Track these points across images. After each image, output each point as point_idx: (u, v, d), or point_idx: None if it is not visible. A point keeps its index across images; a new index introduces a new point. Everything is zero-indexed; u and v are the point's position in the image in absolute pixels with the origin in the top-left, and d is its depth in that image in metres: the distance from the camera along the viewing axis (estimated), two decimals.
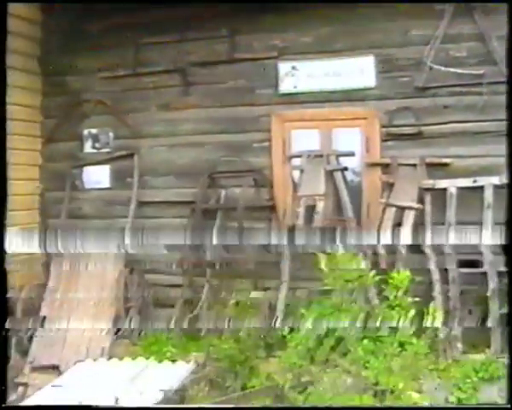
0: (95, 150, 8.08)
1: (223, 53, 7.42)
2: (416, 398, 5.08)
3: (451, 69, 6.66)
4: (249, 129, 7.38)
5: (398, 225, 6.57)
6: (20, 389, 5.71)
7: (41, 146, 8.20)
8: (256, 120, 7.32)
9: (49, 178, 8.22)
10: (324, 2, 6.90)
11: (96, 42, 7.67)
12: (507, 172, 5.80)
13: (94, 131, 8.05)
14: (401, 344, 5.51)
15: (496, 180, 6.35)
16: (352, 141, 7.10)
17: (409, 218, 6.54)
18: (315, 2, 6.96)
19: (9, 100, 7.42)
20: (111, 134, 7.99)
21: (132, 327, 7.24)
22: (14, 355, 6.74)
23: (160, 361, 6.15)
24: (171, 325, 7.07)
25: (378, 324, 5.57)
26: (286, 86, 7.25)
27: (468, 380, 5.49)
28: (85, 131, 8.08)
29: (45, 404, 4.82)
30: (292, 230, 6.79)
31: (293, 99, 7.24)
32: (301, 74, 7.20)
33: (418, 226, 6.52)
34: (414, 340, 5.51)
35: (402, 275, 5.72)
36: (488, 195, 6.37)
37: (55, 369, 6.37)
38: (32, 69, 7.99)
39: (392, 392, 5.11)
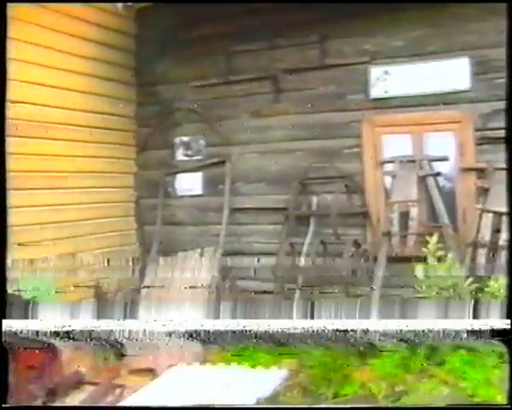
0: (187, 158, 8.17)
1: (313, 59, 7.38)
2: None
3: None
4: (340, 135, 7.31)
5: (496, 231, 6.37)
6: (118, 390, 5.78)
7: (135, 154, 8.34)
8: (347, 126, 7.24)
9: (143, 186, 8.36)
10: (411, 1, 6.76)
11: (187, 51, 7.75)
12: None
13: (186, 138, 8.14)
14: (500, 355, 5.33)
15: None
16: (445, 145, 6.93)
17: (507, 224, 6.33)
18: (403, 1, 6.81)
19: (105, 110, 7.67)
20: (202, 142, 8.06)
21: (224, 334, 7.27)
22: (111, 357, 6.88)
23: (253, 367, 6.13)
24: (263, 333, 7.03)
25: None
26: (377, 91, 7.14)
27: None
28: (177, 139, 8.17)
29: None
30: (387, 236, 6.69)
31: (385, 104, 7.13)
32: (393, 78, 7.08)
33: None
34: None
35: (499, 282, 5.53)
36: None
37: (150, 372, 6.44)
38: (127, 80, 8.15)
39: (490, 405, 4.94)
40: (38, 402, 5.09)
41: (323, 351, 5.92)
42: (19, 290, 6.10)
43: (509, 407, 4.10)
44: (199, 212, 8.13)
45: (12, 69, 6.41)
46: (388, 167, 7.11)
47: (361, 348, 6.07)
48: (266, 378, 5.76)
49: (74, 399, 5.34)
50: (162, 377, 6.09)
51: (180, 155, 8.20)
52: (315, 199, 7.43)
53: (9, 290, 5.89)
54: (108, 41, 7.73)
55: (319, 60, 7.36)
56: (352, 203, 7.24)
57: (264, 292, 7.55)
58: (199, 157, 8.11)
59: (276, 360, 6.23)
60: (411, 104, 6.98)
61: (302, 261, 7.41)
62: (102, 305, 7.30)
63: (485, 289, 5.53)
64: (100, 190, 7.72)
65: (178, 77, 8.00)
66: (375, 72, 7.13)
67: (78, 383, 5.63)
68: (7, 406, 3.90)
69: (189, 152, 8.14)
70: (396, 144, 7.12)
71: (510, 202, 5.05)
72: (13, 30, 6.38)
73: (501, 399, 4.88)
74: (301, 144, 7.52)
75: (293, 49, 7.47)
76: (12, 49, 6.36)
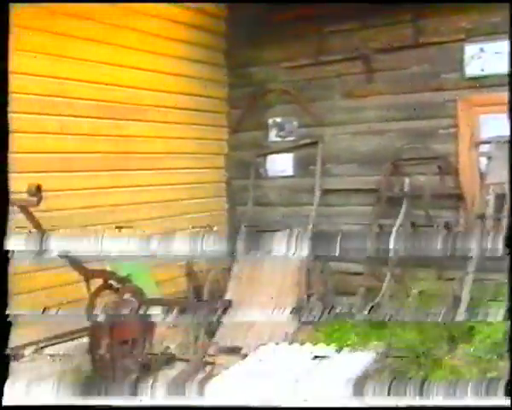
0: (279, 139, 8.21)
1: (407, 38, 7.24)
2: None
3: None
4: (434, 115, 7.17)
5: None
6: (208, 367, 5.90)
7: (227, 135, 8.43)
8: (441, 106, 7.08)
9: (234, 167, 8.45)
10: None
11: (279, 33, 7.76)
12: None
13: (278, 119, 8.18)
14: None
15: None
16: None
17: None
18: None
19: (196, 92, 7.78)
20: (295, 123, 8.09)
21: (314, 314, 7.29)
22: (202, 336, 7.00)
23: (342, 348, 6.11)
24: (353, 313, 7.02)
25: None
26: (473, 69, 6.94)
27: None
28: (270, 121, 8.23)
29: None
30: (481, 218, 6.53)
31: (481, 82, 6.92)
32: (489, 56, 6.87)
33: None
34: None
35: None
36: None
37: (239, 351, 6.52)
38: (218, 62, 8.26)
39: None
40: (133, 377, 5.24)
41: (414, 335, 5.89)
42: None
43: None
44: (290, 193, 8.18)
45: (108, 54, 6.64)
46: (484, 148, 6.91)
47: (453, 333, 6.01)
48: (355, 360, 5.75)
49: (166, 375, 5.48)
50: (251, 355, 6.16)
51: (272, 135, 8.25)
52: (407, 180, 7.30)
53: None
54: (199, 24, 7.83)
55: (412, 39, 7.22)
56: (446, 185, 7.09)
57: (355, 273, 7.55)
58: (291, 138, 8.15)
59: (365, 342, 6.23)
60: (508, 83, 6.77)
61: (393, 243, 7.33)
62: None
63: None
64: (192, 170, 7.86)
65: (270, 58, 8.05)
66: (471, 49, 6.93)
67: (169, 359, 5.82)
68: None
69: (282, 133, 8.18)
70: (492, 124, 6.89)
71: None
72: (109, 16, 6.59)
73: None
74: (394, 125, 7.43)
75: (385, 28, 7.37)
76: (109, 35, 6.59)
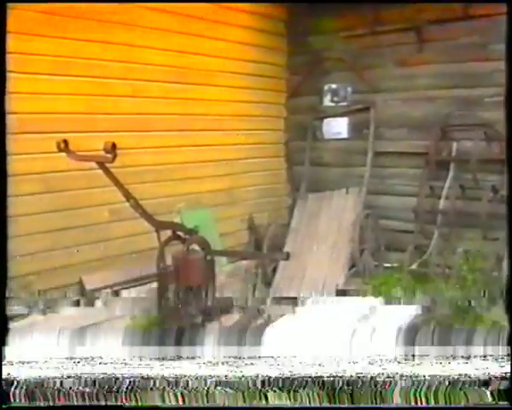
0: (334, 104, 8.36)
1: (456, 10, 7.29)
2: None
3: None
4: (482, 84, 7.25)
5: None
6: (264, 316, 6.08)
7: (286, 100, 8.63)
8: (489, 75, 7.13)
9: (293, 129, 8.66)
10: None
11: (336, 3, 7.81)
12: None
13: (334, 86, 8.33)
14: None
15: None
16: None
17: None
18: None
19: (259, 59, 7.96)
20: (349, 89, 8.24)
21: (365, 268, 7.53)
22: (259, 286, 7.27)
23: (390, 301, 6.28)
24: (402, 269, 7.22)
25: None
26: None
27: None
28: (326, 87, 8.39)
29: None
30: None
31: None
32: None
33: None
34: None
35: None
36: None
37: (293, 301, 6.74)
38: (279, 31, 8.41)
39: None
40: (197, 321, 5.47)
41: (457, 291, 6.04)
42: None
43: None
44: (344, 154, 8.36)
45: (177, 23, 6.88)
46: None
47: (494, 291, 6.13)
48: (403, 311, 5.92)
49: (227, 320, 5.64)
50: (304, 305, 6.38)
51: (328, 101, 8.42)
52: (455, 145, 7.47)
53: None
54: None
55: (462, 11, 7.28)
56: (492, 150, 7.20)
57: (405, 231, 7.74)
58: (345, 103, 8.31)
59: (413, 296, 6.40)
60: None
61: (441, 204, 7.52)
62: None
63: None
64: (253, 132, 8.11)
65: (328, 28, 8.14)
66: None
67: (229, 306, 5.89)
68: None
69: (336, 98, 8.34)
70: None
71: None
72: None
73: None
74: (443, 93, 7.53)
75: (436, 1, 7.42)
76: (178, 7, 6.80)
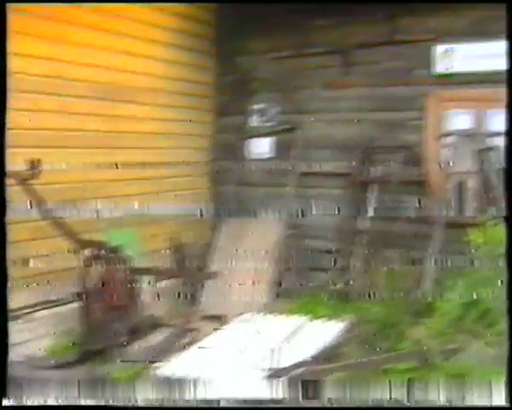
0: (261, 124, 8.33)
1: (382, 35, 7.42)
2: None
3: None
4: (404, 108, 7.38)
5: None
6: (191, 334, 6.00)
7: (213, 119, 8.55)
8: (411, 100, 7.29)
9: (218, 148, 8.57)
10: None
11: (265, 25, 7.86)
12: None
13: (261, 106, 8.31)
14: None
15: None
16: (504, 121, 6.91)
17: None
18: None
19: (186, 77, 7.85)
20: (276, 109, 8.22)
21: (290, 287, 7.48)
22: (186, 304, 7.15)
23: (315, 320, 6.27)
24: (325, 288, 7.21)
25: None
26: (442, 67, 7.18)
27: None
28: (253, 106, 8.35)
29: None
30: (443, 204, 6.76)
31: (449, 80, 7.17)
32: (457, 56, 7.10)
33: None
34: None
35: None
36: None
37: (220, 319, 6.66)
38: (207, 50, 8.32)
39: None
40: (122, 340, 5.37)
41: (380, 309, 6.08)
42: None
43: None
44: (270, 174, 8.29)
45: (104, 40, 6.72)
46: (448, 140, 7.16)
47: (416, 308, 6.21)
48: (327, 330, 5.92)
49: (153, 339, 5.62)
50: (231, 323, 6.31)
51: (255, 121, 8.39)
52: (378, 167, 7.54)
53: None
54: (190, 14, 7.91)
55: (387, 36, 7.40)
56: (412, 172, 7.29)
57: (329, 251, 7.74)
58: (272, 123, 8.29)
59: (337, 314, 6.41)
60: (474, 81, 6.99)
61: (364, 224, 7.55)
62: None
63: None
64: (178, 150, 7.95)
65: (256, 49, 8.15)
66: (440, 49, 7.17)
67: (155, 325, 5.89)
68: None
69: (263, 118, 8.31)
70: (457, 119, 7.18)
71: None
72: (106, 6, 6.64)
73: None
74: (367, 115, 7.62)
75: (362, 25, 7.53)
76: (105, 23, 6.65)
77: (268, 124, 8.30)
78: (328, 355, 5.24)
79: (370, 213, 7.51)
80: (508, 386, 4.03)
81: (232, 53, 8.31)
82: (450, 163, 7.04)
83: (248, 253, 7.68)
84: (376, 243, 7.35)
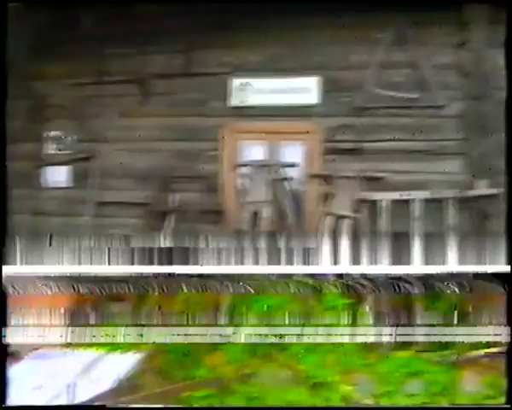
0: (57, 152, 8.06)
1: (180, 66, 7.49)
2: (347, 390, 5.18)
3: (388, 92, 6.88)
4: (202, 138, 7.46)
5: (334, 231, 6.72)
6: None
7: (5, 146, 8.14)
8: (208, 131, 7.41)
9: (12, 176, 8.15)
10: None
11: (62, 50, 7.65)
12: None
13: (57, 133, 8.04)
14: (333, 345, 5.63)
15: (424, 194, 6.59)
16: (297, 153, 7.24)
17: (346, 226, 6.69)
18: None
19: None
20: (73, 137, 8.00)
21: (88, 320, 7.24)
22: None
23: (112, 351, 6.14)
24: (123, 319, 7.05)
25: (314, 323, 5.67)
26: (237, 100, 7.36)
27: (396, 374, 5.60)
28: (48, 134, 8.07)
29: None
30: (238, 234, 6.87)
31: (243, 112, 7.37)
32: (251, 90, 7.32)
33: (355, 234, 6.67)
34: (346, 338, 5.64)
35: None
36: (417, 208, 6.58)
37: (13, 355, 6.33)
38: None
39: (325, 385, 5.19)
40: None
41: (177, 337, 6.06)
42: None
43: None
44: (66, 203, 8.03)
45: None
46: (243, 170, 7.33)
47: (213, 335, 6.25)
48: (124, 361, 5.81)
49: None
50: (26, 359, 6.02)
51: (50, 148, 8.10)
52: (176, 196, 7.54)
53: None
54: None
55: (185, 67, 7.48)
56: (210, 202, 7.38)
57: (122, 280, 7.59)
58: (68, 151, 8.04)
59: (135, 346, 6.29)
60: (267, 114, 7.24)
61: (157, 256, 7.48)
62: None
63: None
64: None
65: (52, 74, 7.89)
66: (236, 82, 7.36)
67: None
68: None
69: (60, 146, 8.06)
70: (252, 150, 7.39)
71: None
72: None
73: (335, 380, 5.18)
74: (166, 145, 7.61)
75: (161, 55, 7.55)
76: None
77: (64, 152, 8.04)
78: (125, 387, 5.14)
79: (168, 242, 7.46)
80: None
81: (26, 77, 7.92)
82: (246, 193, 7.19)
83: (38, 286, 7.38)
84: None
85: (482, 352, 5.62)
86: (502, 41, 6.44)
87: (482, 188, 6.61)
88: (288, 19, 7.06)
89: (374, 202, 6.74)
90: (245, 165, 7.31)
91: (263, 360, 5.57)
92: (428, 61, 6.86)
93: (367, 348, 5.97)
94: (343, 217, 6.74)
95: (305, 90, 7.15)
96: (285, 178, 7.15)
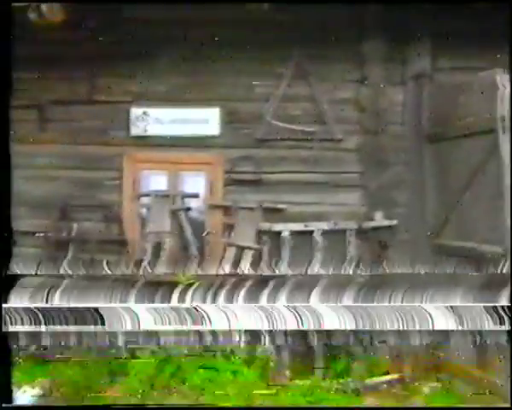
0: None
1: (81, 93, 7.34)
2: None
3: (287, 125, 7.02)
4: (102, 167, 7.34)
5: (237, 262, 6.75)
6: None
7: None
8: (109, 159, 7.30)
9: None
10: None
11: None
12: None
13: None
14: (234, 372, 5.64)
15: (324, 225, 6.72)
16: (198, 183, 7.25)
17: (248, 257, 6.74)
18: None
19: None
20: None
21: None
22: None
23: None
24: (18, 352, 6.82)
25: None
26: (137, 130, 7.29)
27: (298, 404, 5.65)
28: None
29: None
30: (139, 264, 6.80)
31: (144, 142, 7.31)
32: (152, 119, 7.26)
33: (256, 264, 6.72)
34: (245, 369, 5.66)
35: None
36: (317, 238, 6.70)
37: None
38: None
39: None
40: None
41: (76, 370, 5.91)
42: None
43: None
44: None
45: None
46: (145, 200, 7.27)
47: (112, 368, 6.14)
48: (20, 397, 5.63)
49: None
50: None
51: None
52: (75, 225, 7.36)
53: None
54: None
55: (87, 95, 7.34)
56: (111, 231, 7.27)
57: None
58: None
59: (31, 379, 6.10)
60: (168, 144, 7.22)
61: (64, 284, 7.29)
62: None
63: None
64: None
65: None
66: (136, 111, 7.29)
67: None
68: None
69: None
70: (153, 180, 7.34)
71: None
72: None
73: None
74: (65, 173, 7.43)
75: (62, 81, 7.36)
76: None
77: None
78: None
79: (67, 271, 7.28)
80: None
81: None
82: (147, 223, 7.13)
83: None
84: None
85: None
86: (398, 79, 6.83)
87: (380, 219, 6.80)
88: (190, 49, 7.08)
89: (276, 233, 6.82)
90: (146, 195, 7.26)
91: (163, 392, 5.53)
92: (328, 96, 7.05)
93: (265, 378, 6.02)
94: (245, 248, 6.79)
95: (206, 120, 7.17)
96: (186, 209, 7.15)
